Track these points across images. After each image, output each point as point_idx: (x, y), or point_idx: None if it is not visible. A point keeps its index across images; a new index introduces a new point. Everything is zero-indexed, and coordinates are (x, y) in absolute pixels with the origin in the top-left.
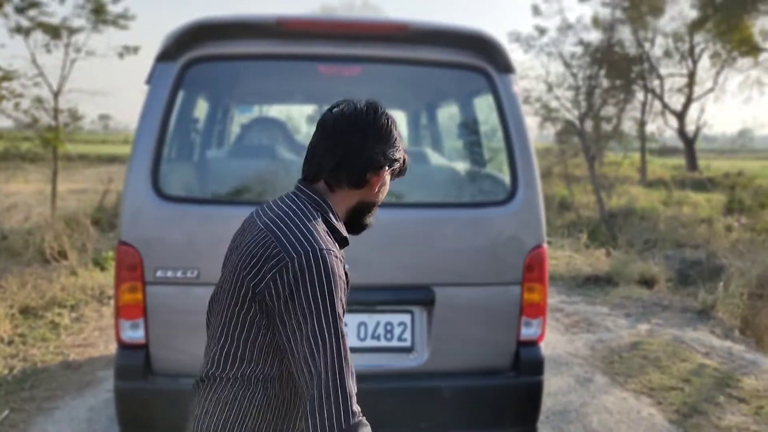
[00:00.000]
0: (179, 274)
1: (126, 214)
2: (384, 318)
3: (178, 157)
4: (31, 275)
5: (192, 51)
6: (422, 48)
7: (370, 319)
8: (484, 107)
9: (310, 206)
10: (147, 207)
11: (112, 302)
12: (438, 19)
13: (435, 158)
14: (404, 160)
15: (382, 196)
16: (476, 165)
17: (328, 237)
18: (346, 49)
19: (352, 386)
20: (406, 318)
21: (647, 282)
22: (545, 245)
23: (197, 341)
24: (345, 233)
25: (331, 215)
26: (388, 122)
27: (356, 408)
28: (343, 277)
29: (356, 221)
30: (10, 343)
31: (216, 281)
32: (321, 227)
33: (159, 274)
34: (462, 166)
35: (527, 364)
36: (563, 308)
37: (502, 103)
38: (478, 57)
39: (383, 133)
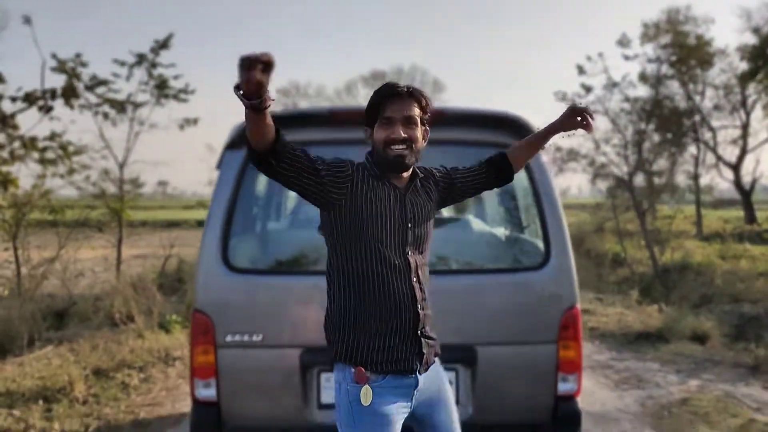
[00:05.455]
0: (246, 338)
1: (200, 285)
2: None
3: (243, 233)
4: (101, 338)
5: None
6: (459, 130)
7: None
8: (519, 178)
9: None
10: (217, 279)
11: (177, 363)
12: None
13: (477, 224)
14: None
15: (385, 134)
16: (514, 231)
17: None
18: None
19: None
20: (451, 375)
21: (700, 338)
22: (578, 306)
23: (263, 398)
24: None
25: None
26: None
27: None
28: None
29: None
30: (85, 402)
31: (280, 343)
32: None
33: (228, 338)
34: (501, 232)
35: (565, 418)
36: (613, 365)
37: (533, 175)
38: (509, 136)
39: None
